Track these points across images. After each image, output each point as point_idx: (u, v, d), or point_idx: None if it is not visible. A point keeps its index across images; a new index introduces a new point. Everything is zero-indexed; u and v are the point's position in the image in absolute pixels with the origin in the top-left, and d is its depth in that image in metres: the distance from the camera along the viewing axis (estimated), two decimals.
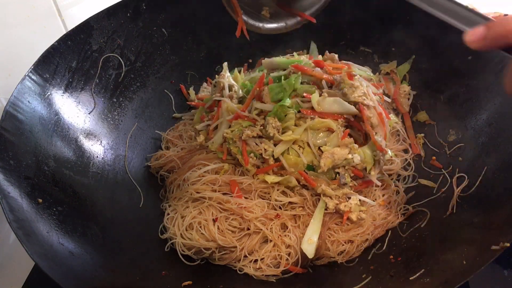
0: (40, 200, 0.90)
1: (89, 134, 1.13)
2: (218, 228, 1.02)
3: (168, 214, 1.09)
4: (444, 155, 1.14)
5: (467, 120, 1.11)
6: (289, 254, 1.00)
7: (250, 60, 1.44)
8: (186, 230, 1.04)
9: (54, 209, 0.91)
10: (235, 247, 1.01)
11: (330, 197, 1.04)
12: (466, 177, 1.03)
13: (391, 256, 0.97)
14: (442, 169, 1.11)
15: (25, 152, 0.95)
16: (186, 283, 0.93)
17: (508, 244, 0.74)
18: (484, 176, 0.98)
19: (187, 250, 1.03)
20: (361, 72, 1.27)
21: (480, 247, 0.80)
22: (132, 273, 0.92)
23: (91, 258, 0.89)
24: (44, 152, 0.99)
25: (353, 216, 1.03)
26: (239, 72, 1.33)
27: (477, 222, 0.92)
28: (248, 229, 1.02)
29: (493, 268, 0.99)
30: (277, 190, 1.06)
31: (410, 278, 0.84)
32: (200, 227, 1.03)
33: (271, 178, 1.06)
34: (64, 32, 1.20)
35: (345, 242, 1.02)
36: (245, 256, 1.02)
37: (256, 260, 1.01)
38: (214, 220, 1.02)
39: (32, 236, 0.82)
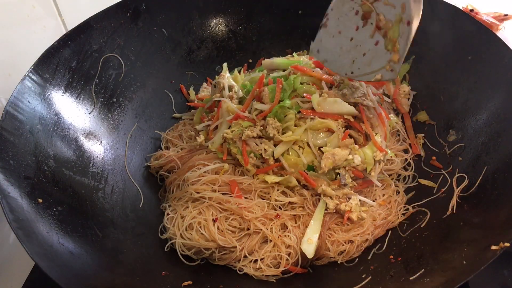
0: (40, 200, 0.90)
1: (89, 134, 1.13)
2: (218, 228, 1.02)
3: (168, 214, 1.09)
4: (444, 155, 1.14)
5: (467, 120, 1.11)
6: (289, 254, 1.00)
7: (250, 60, 1.44)
8: (186, 230, 1.04)
9: (54, 209, 0.91)
10: (235, 247, 1.01)
11: (331, 197, 1.04)
12: (466, 177, 1.03)
13: (391, 256, 0.97)
14: (442, 169, 1.11)
15: (25, 152, 0.95)
16: (186, 283, 0.93)
17: (508, 244, 0.75)
18: (484, 176, 0.98)
19: (187, 250, 1.03)
20: None
21: (480, 247, 0.80)
22: (132, 273, 0.92)
23: (91, 258, 0.89)
24: (44, 152, 0.99)
25: (354, 216, 1.03)
26: (239, 72, 1.33)
27: (477, 222, 0.92)
28: (248, 229, 1.02)
29: (493, 268, 0.99)
30: (277, 190, 1.06)
31: (410, 278, 0.84)
32: (200, 227, 1.03)
33: (271, 178, 1.06)
34: (64, 32, 1.20)
35: (345, 242, 1.02)
36: (245, 256, 1.02)
37: (256, 260, 1.01)
38: (214, 220, 1.02)
39: (32, 236, 0.82)
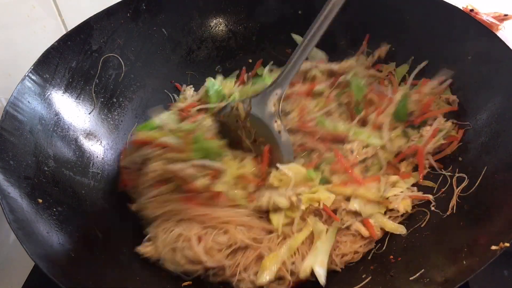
0: (40, 201, 0.90)
1: (89, 134, 1.13)
2: (204, 247, 0.90)
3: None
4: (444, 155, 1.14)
5: (467, 120, 1.11)
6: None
7: (250, 60, 1.43)
8: (169, 253, 0.93)
9: (54, 209, 0.91)
10: (225, 266, 0.90)
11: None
12: (466, 177, 1.03)
13: (391, 256, 0.97)
14: (442, 169, 1.11)
15: (25, 152, 0.95)
16: (186, 283, 0.93)
17: (508, 244, 0.74)
18: (484, 176, 0.98)
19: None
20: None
21: (480, 247, 0.80)
22: (132, 273, 0.92)
23: (91, 259, 0.89)
24: (44, 152, 0.99)
25: (367, 233, 1.00)
26: (237, 77, 1.34)
27: (477, 222, 0.92)
28: (236, 243, 0.92)
29: (493, 268, 0.99)
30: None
31: (410, 278, 0.84)
32: (183, 248, 0.91)
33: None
34: (64, 32, 1.20)
35: (350, 253, 0.98)
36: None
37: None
38: (199, 240, 0.91)
39: (32, 236, 0.82)
